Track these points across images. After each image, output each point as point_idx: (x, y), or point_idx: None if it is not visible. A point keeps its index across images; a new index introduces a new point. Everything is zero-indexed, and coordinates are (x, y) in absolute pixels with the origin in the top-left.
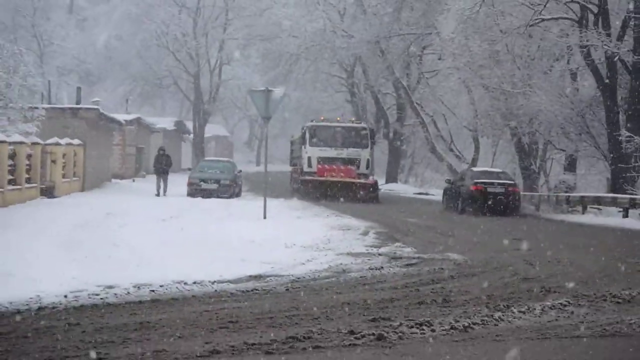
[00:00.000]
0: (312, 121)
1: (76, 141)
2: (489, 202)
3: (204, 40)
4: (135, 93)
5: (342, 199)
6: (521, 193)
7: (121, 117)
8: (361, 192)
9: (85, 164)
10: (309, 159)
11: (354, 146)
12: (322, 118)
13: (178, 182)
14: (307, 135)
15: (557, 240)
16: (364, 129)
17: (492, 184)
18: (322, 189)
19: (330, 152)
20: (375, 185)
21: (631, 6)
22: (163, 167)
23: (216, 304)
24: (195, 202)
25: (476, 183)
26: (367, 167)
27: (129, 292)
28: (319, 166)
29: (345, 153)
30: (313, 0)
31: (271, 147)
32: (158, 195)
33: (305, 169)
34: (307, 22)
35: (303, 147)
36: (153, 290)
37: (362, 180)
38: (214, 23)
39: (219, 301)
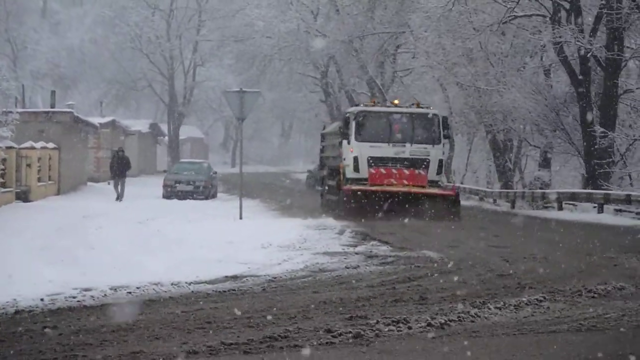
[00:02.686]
0: (358, 105)
1: (51, 145)
2: None
3: (178, 42)
4: (110, 96)
5: (403, 218)
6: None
7: (96, 120)
8: (435, 208)
9: (60, 168)
10: (356, 159)
11: (421, 141)
12: (373, 101)
13: (154, 184)
14: (353, 126)
15: (532, 236)
16: (434, 115)
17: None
18: (376, 204)
19: (387, 150)
20: (456, 197)
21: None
22: (119, 168)
23: (193, 305)
24: (170, 204)
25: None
26: (440, 172)
27: (105, 295)
28: (372, 170)
29: (407, 151)
30: (286, 0)
31: (246, 148)
32: (118, 199)
33: (350, 174)
34: (281, 22)
35: (345, 142)
36: (130, 292)
37: (436, 190)
38: (187, 25)
39: (195, 302)
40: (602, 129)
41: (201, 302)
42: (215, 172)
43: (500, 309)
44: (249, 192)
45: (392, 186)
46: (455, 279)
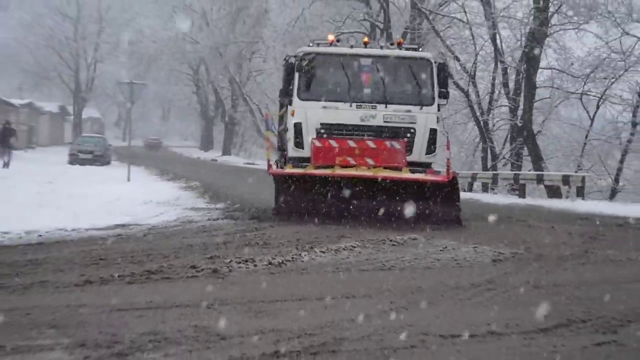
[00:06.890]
0: (307, 45)
1: None
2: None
3: (83, 43)
4: (27, 83)
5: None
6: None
7: (16, 101)
8: (421, 204)
9: None
10: (298, 128)
11: (403, 100)
12: (330, 39)
13: (62, 153)
14: (297, 77)
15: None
16: (426, 61)
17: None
18: (320, 199)
19: (349, 114)
20: (453, 186)
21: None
22: (4, 139)
23: (89, 246)
24: (74, 169)
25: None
26: (432, 149)
27: (21, 237)
28: (317, 143)
29: (380, 115)
30: (168, 14)
31: (134, 127)
32: (4, 166)
33: (291, 152)
34: (163, 30)
35: (287, 103)
36: (40, 235)
37: (421, 176)
38: (90, 30)
39: (91, 244)
40: None
41: (96, 244)
42: (110, 145)
43: (324, 252)
44: (135, 161)
45: (348, 169)
46: (291, 229)
